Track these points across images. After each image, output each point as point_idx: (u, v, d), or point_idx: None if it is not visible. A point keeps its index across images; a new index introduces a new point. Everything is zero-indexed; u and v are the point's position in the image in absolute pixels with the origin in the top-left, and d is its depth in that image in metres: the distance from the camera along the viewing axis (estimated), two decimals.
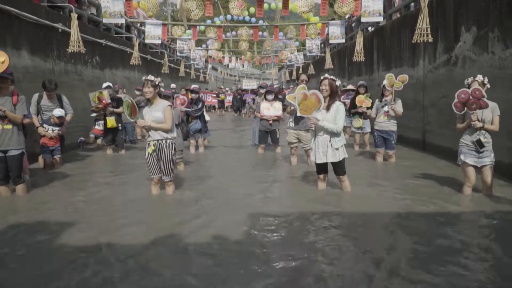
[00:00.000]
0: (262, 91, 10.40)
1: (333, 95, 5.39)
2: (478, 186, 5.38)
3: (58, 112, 7.39)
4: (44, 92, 7.39)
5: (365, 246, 3.76)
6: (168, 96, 7.18)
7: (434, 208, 4.84)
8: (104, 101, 8.84)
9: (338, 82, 5.58)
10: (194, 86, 10.04)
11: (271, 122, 8.83)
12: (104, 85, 9.60)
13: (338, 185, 5.68)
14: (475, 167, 5.20)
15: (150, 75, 5.45)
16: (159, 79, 5.51)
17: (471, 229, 4.29)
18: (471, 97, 4.95)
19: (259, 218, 4.55)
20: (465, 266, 3.33)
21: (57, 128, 7.44)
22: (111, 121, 9.04)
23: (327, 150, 5.35)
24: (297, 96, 5.37)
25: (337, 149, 5.35)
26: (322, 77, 5.48)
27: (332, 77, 5.49)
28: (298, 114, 5.54)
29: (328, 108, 5.33)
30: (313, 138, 5.53)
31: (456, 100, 5.07)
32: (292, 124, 7.40)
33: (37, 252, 3.69)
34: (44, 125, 7.35)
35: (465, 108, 5.03)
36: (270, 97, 8.97)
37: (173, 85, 11.55)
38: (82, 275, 3.21)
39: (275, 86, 26.56)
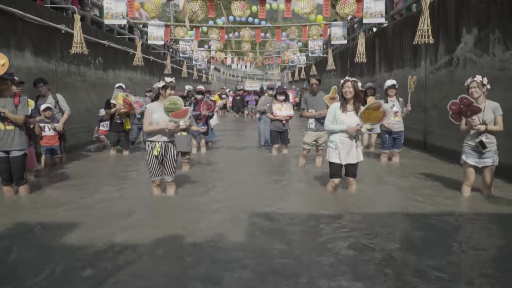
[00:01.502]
0: (271, 92, 10.44)
1: (358, 96, 5.34)
2: (478, 186, 5.41)
3: (43, 105, 7.45)
4: (40, 92, 7.54)
5: (368, 246, 3.79)
6: (183, 96, 7.22)
7: (434, 209, 4.85)
8: (131, 107, 8.85)
9: (360, 84, 5.58)
10: (199, 87, 10.07)
11: (284, 122, 8.83)
12: (117, 85, 9.60)
13: (342, 186, 5.67)
14: (476, 167, 5.22)
15: (171, 79, 5.50)
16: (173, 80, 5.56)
17: (471, 229, 4.31)
18: (461, 106, 4.99)
19: (262, 220, 4.57)
20: (466, 265, 3.36)
21: (51, 125, 7.48)
22: (128, 123, 9.18)
23: (352, 151, 5.32)
24: (372, 101, 5.24)
25: (359, 150, 5.39)
26: (343, 80, 5.40)
27: (354, 78, 5.44)
28: (358, 117, 5.20)
29: (357, 111, 5.30)
30: (335, 139, 5.36)
31: (450, 112, 5.13)
32: (312, 126, 7.40)
33: (41, 253, 3.73)
34: (40, 125, 7.41)
35: (462, 118, 5.09)
36: (281, 97, 8.96)
37: (188, 87, 11.59)
38: (83, 276, 3.25)
39: (277, 87, 26.60)
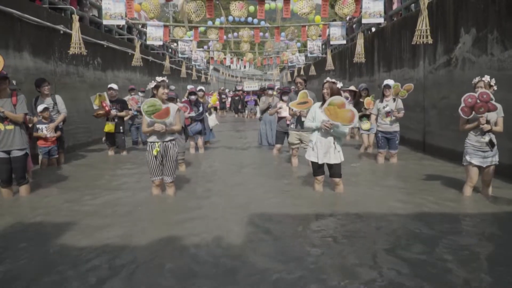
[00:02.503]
0: (271, 92, 10.42)
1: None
2: (477, 186, 5.42)
3: (40, 107, 7.43)
4: (39, 93, 7.54)
5: (365, 248, 3.79)
6: (173, 98, 7.20)
7: (434, 209, 4.86)
8: (106, 107, 8.83)
9: (339, 85, 5.67)
10: (200, 87, 10.07)
11: (288, 122, 8.76)
12: (108, 86, 9.61)
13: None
14: (479, 167, 5.22)
15: (163, 78, 5.51)
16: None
17: (471, 229, 4.31)
18: (478, 101, 4.91)
19: (260, 221, 4.57)
20: (463, 267, 3.36)
21: (48, 126, 7.46)
22: (109, 126, 9.04)
23: (330, 151, 5.40)
24: (335, 98, 5.27)
25: (339, 151, 5.43)
26: (324, 80, 5.62)
27: (333, 80, 5.60)
28: (322, 112, 5.25)
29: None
30: (313, 138, 5.51)
31: (462, 104, 5.04)
32: (293, 126, 7.45)
33: (39, 253, 3.73)
34: (38, 126, 7.40)
35: (473, 112, 5.01)
36: (286, 98, 8.92)
37: (190, 87, 11.57)
38: (81, 277, 3.25)
39: (276, 88, 26.62)
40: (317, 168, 5.60)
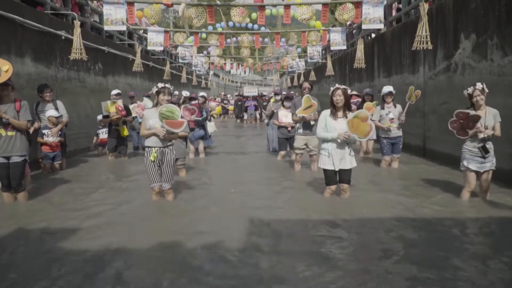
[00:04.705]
0: (277, 97, 10.40)
1: (348, 104, 5.46)
2: (475, 190, 5.44)
3: (51, 112, 7.48)
4: (41, 98, 7.57)
5: (365, 252, 3.79)
6: (174, 103, 7.22)
7: (434, 214, 4.86)
8: (123, 112, 8.93)
9: (349, 91, 5.67)
10: (201, 93, 10.10)
11: (289, 128, 8.73)
12: (114, 92, 9.62)
13: (337, 193, 5.65)
14: (477, 172, 5.24)
15: (166, 84, 5.53)
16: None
17: (470, 234, 4.31)
18: (461, 121, 5.10)
19: (261, 226, 4.57)
20: (462, 269, 3.36)
21: (51, 131, 7.51)
22: (125, 130, 9.16)
23: (345, 157, 5.39)
24: (361, 112, 5.37)
25: (353, 156, 5.45)
26: (333, 88, 5.49)
27: (344, 86, 5.51)
28: (345, 124, 5.27)
29: (346, 117, 5.38)
30: (328, 147, 5.43)
31: (455, 132, 5.22)
32: (301, 130, 7.46)
33: (40, 258, 3.73)
34: (43, 131, 7.41)
35: (467, 131, 5.14)
36: (287, 104, 8.92)
37: (185, 93, 11.65)
38: (81, 280, 3.24)
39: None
40: (331, 176, 5.51)
